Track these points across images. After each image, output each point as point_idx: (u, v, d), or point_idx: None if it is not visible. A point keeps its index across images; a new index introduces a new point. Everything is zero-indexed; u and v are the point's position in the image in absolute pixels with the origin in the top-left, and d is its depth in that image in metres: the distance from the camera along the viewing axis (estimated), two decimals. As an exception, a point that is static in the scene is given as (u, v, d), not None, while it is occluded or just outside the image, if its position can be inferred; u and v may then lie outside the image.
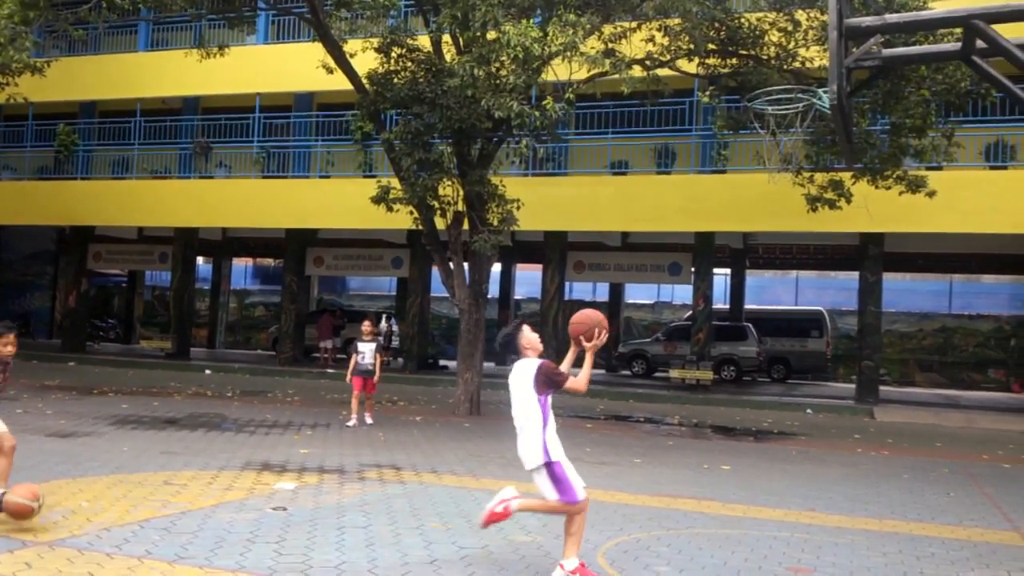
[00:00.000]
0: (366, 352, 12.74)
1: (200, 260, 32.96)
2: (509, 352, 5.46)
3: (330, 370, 22.04)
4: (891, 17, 6.07)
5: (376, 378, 12.78)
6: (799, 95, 8.21)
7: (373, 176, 19.35)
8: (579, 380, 5.26)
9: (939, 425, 16.78)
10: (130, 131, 24.43)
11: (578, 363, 5.42)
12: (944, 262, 27.16)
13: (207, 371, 22.23)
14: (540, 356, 5.38)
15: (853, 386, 21.76)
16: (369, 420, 12.67)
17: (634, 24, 14.02)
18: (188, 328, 26.21)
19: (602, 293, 32.60)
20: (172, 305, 26.01)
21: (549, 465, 5.16)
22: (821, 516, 5.77)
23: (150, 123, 24.52)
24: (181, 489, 7.59)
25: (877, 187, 14.75)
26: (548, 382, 5.20)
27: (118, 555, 5.44)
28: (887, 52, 5.36)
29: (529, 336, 5.39)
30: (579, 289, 33.50)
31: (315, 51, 15.87)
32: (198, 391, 16.98)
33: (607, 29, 13.66)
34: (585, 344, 5.27)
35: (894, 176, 14.45)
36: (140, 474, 8.24)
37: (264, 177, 23.50)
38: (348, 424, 12.39)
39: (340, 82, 15.41)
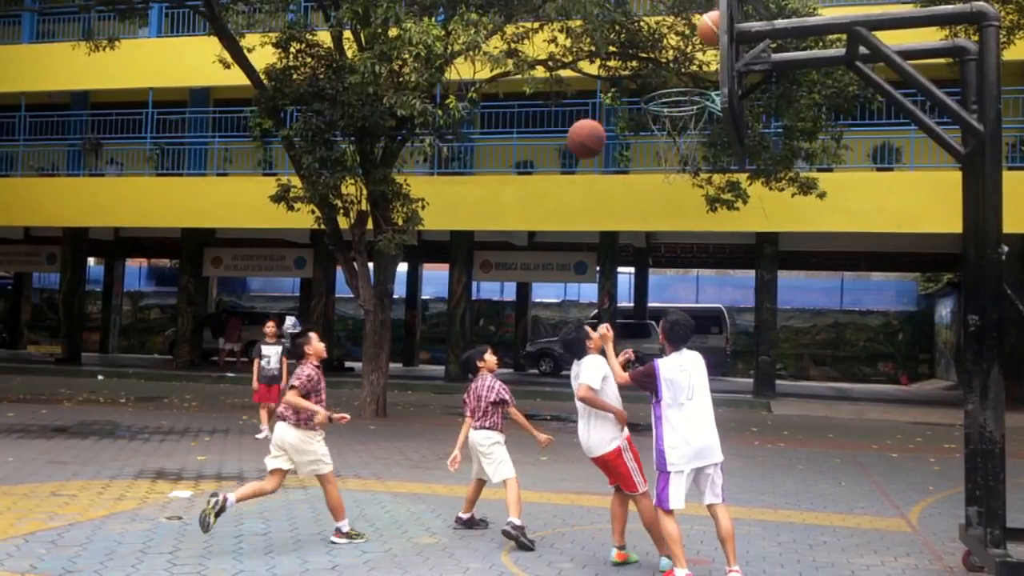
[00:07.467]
0: (271, 356, 11.70)
1: (91, 261, 31.72)
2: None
3: (230, 373, 21.47)
4: (780, 23, 6.28)
5: (283, 384, 11.38)
6: (693, 98, 8.40)
7: (273, 174, 18.89)
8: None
9: (832, 417, 17.44)
10: (14, 126, 23.29)
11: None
12: (835, 260, 28.25)
13: (99, 377, 21.39)
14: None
15: (751, 381, 22.39)
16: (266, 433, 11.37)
17: (536, 25, 14.10)
18: (79, 332, 25.16)
19: (510, 292, 32.74)
20: (62, 308, 24.96)
21: None
22: (719, 508, 5.91)
23: (36, 118, 23.43)
24: (70, 500, 7.29)
25: (771, 188, 15.21)
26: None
27: (0, 571, 5.18)
28: (776, 56, 5.53)
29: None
30: (486, 288, 33.59)
31: (211, 45, 15.40)
32: (89, 398, 16.31)
33: (509, 29, 13.70)
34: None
35: (787, 178, 14.93)
36: (26, 485, 7.88)
37: (158, 175, 22.72)
38: (258, 436, 11.42)
39: (238, 77, 15.00)
